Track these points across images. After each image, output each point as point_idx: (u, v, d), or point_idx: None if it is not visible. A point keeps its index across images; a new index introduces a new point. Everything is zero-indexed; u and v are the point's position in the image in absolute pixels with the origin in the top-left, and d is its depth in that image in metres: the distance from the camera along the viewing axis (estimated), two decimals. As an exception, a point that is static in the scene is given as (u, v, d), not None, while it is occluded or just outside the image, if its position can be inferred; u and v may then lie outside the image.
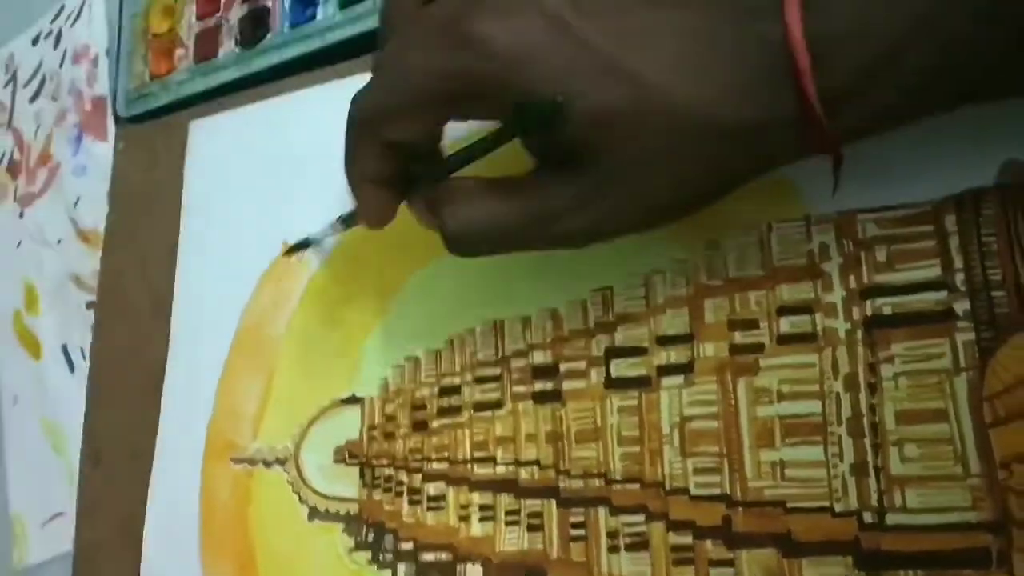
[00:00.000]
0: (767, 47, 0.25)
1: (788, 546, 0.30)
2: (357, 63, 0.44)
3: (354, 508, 0.40)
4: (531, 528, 0.35)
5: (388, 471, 0.39)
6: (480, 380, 0.37)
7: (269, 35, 0.50)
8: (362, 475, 0.40)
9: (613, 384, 0.34)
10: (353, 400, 0.41)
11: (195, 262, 0.49)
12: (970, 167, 0.29)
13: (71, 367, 0.57)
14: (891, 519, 0.29)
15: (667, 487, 0.32)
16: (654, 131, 0.26)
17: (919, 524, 0.28)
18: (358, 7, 0.45)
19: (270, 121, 0.48)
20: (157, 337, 0.49)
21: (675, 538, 0.32)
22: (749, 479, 0.31)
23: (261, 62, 0.49)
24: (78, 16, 0.62)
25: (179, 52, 0.55)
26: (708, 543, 0.31)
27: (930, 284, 0.29)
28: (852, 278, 0.30)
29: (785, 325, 0.31)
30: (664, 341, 0.33)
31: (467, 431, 0.37)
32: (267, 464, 0.43)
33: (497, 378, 0.37)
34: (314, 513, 0.41)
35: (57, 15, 0.64)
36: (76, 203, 0.59)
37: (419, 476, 0.38)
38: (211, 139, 0.51)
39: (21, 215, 0.64)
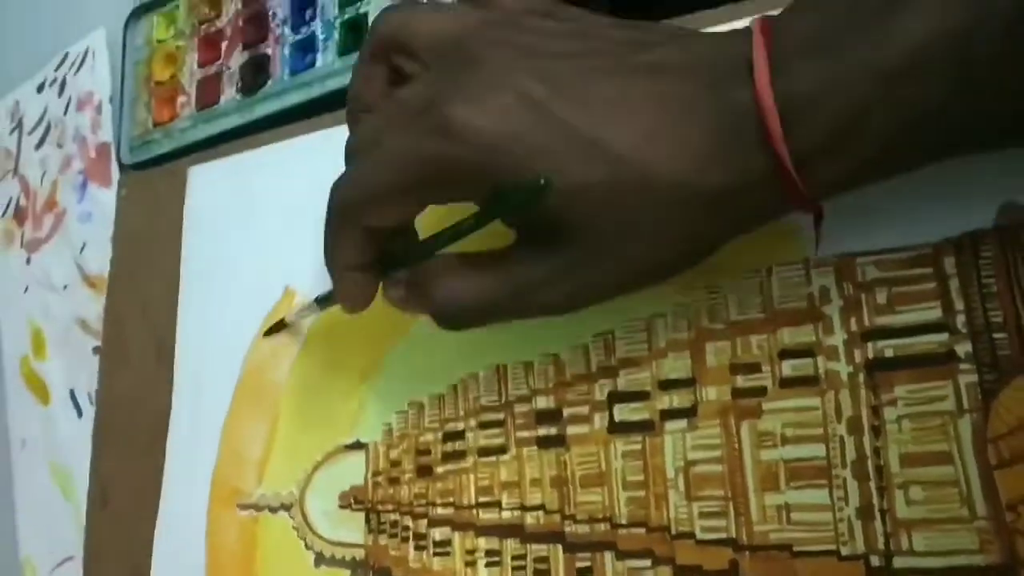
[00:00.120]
0: (739, 112, 0.25)
1: (795, 591, 0.30)
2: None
3: (360, 554, 0.40)
4: (537, 573, 0.35)
5: (393, 516, 0.39)
6: (484, 425, 0.37)
7: (270, 82, 0.50)
8: (368, 520, 0.40)
9: (617, 428, 0.34)
10: (357, 446, 0.41)
11: (196, 308, 0.49)
12: (968, 209, 0.29)
13: (79, 412, 0.57)
14: (898, 562, 0.28)
15: (673, 531, 0.32)
16: (631, 203, 0.26)
17: (927, 567, 0.28)
18: (356, 54, 0.46)
19: (269, 167, 0.48)
20: (161, 382, 0.49)
21: (682, 583, 0.32)
22: (755, 523, 0.31)
23: (262, 109, 0.50)
24: (82, 63, 0.63)
25: (181, 99, 0.55)
26: (715, 589, 0.31)
27: (931, 326, 0.29)
28: (853, 321, 0.30)
29: (787, 368, 0.31)
30: (666, 385, 0.33)
31: (472, 476, 0.37)
32: (272, 510, 0.43)
33: (501, 423, 0.37)
34: (320, 559, 0.41)
35: (61, 63, 0.65)
36: (82, 249, 0.59)
37: (424, 521, 0.38)
38: (210, 185, 0.51)
39: (28, 261, 0.64)
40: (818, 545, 0.30)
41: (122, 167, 0.57)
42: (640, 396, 0.34)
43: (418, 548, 0.38)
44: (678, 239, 0.28)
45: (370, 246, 0.32)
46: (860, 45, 0.24)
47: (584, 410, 0.35)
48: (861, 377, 0.30)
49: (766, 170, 0.25)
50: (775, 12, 0.27)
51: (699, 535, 0.32)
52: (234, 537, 0.44)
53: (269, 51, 0.51)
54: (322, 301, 0.39)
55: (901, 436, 0.29)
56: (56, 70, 0.65)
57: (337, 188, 0.31)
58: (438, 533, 0.38)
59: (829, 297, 0.31)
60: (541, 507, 0.35)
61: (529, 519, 0.35)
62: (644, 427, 0.34)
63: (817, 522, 0.30)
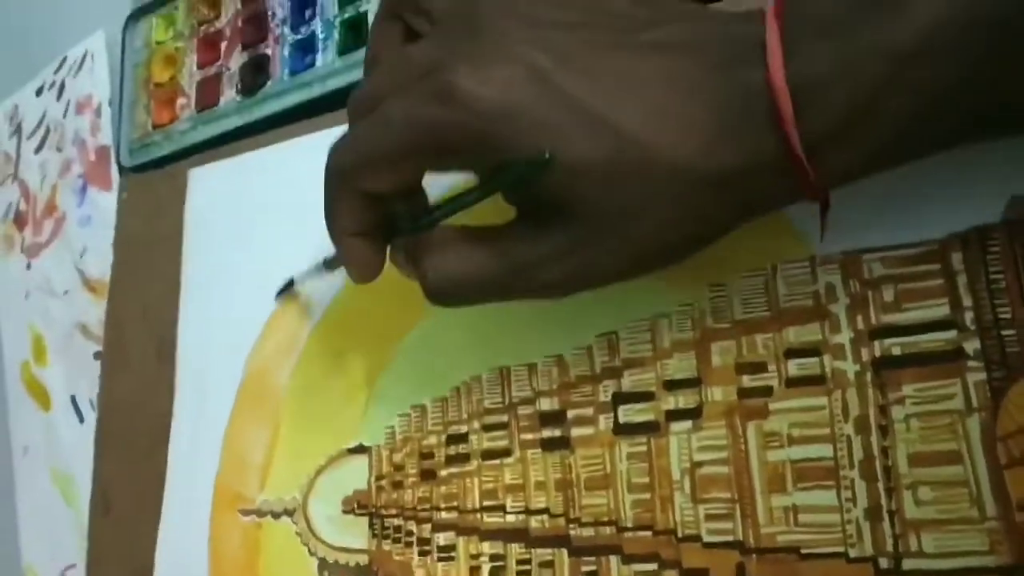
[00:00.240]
0: (749, 93, 0.25)
1: (804, 593, 0.29)
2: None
3: (364, 559, 0.39)
4: (543, 577, 0.34)
5: (397, 521, 0.39)
6: (488, 428, 0.37)
7: (269, 82, 0.50)
8: (371, 525, 0.39)
9: (621, 430, 0.34)
10: (360, 449, 0.40)
11: (197, 311, 0.49)
12: (975, 204, 0.29)
13: (80, 418, 0.57)
14: (907, 564, 0.28)
15: (679, 534, 0.32)
16: (636, 181, 0.26)
17: (936, 569, 0.28)
18: (357, 53, 0.46)
19: (270, 168, 0.48)
20: (163, 385, 0.49)
21: (689, 587, 0.31)
22: (762, 525, 0.30)
23: (262, 110, 0.50)
24: (80, 67, 0.63)
25: (181, 101, 0.55)
26: (722, 591, 0.31)
27: (939, 323, 0.29)
28: (860, 318, 0.30)
29: (793, 368, 0.31)
30: (671, 386, 0.33)
31: (476, 480, 0.37)
32: (275, 515, 0.43)
33: (505, 425, 0.37)
34: (324, 565, 0.40)
35: (60, 66, 0.65)
36: (82, 253, 0.59)
37: (428, 526, 0.38)
38: (211, 187, 0.51)
39: (28, 266, 0.64)
40: (826, 547, 0.29)
41: (122, 170, 0.57)
42: (645, 397, 0.33)
43: (422, 553, 0.38)
44: (683, 221, 0.27)
45: (369, 211, 0.31)
46: (873, 26, 0.24)
47: (588, 412, 0.35)
48: (868, 376, 0.29)
49: (775, 153, 0.25)
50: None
51: (705, 538, 0.31)
52: (237, 543, 0.44)
53: (269, 51, 0.50)
54: (329, 263, 0.38)
55: (909, 435, 0.29)
56: (55, 73, 0.65)
57: (335, 151, 0.30)
58: (442, 538, 0.37)
59: (835, 295, 0.30)
60: (546, 510, 0.35)
61: (534, 523, 0.35)
62: (649, 428, 0.33)
63: (825, 524, 0.29)
